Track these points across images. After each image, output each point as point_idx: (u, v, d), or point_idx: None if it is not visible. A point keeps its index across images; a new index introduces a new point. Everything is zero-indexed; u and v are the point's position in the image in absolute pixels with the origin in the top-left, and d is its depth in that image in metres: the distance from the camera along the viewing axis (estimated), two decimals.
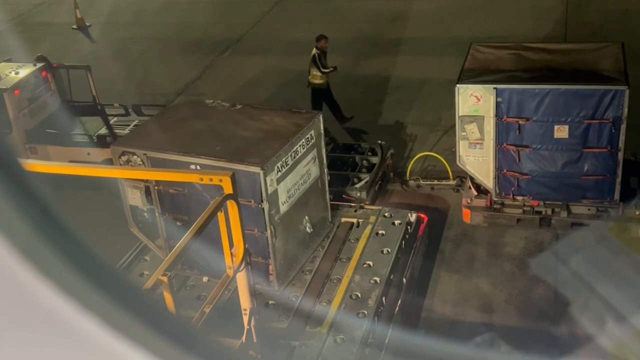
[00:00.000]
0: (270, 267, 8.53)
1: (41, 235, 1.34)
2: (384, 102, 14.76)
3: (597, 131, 9.56)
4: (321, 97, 13.64)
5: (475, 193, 10.61)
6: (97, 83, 12.64)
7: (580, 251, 9.80)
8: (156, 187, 8.72)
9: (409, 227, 9.78)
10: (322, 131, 9.26)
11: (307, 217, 9.09)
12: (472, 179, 10.65)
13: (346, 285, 8.65)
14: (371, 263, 9.02)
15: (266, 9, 21.25)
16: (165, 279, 5.26)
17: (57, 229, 1.41)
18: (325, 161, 9.43)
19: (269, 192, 8.16)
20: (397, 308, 8.68)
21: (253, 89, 16.22)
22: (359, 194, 10.77)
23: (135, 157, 8.58)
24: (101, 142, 12.16)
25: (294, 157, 8.64)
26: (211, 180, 5.93)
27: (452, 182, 11.38)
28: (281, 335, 7.92)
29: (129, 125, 12.56)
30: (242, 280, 6.56)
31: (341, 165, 11.78)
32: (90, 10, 21.87)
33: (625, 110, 9.35)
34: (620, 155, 9.66)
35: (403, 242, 9.46)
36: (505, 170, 10.19)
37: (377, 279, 8.69)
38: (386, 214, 9.96)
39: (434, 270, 10.01)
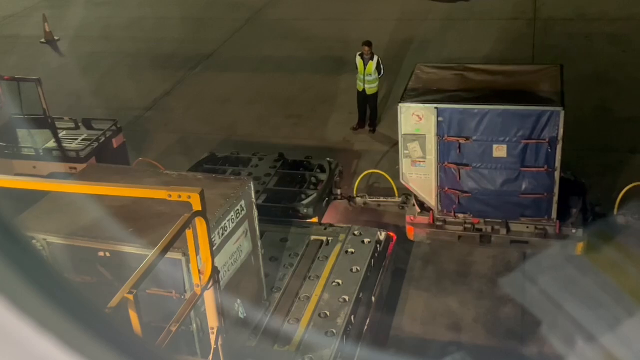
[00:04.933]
0: None
1: None
2: (344, 119, 14.77)
3: (535, 151, 9.76)
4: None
5: (419, 210, 10.74)
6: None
7: (547, 270, 9.91)
8: None
9: (378, 246, 9.78)
10: (254, 199, 8.15)
11: (238, 301, 7.85)
12: (416, 196, 10.77)
13: (315, 303, 8.59)
14: (340, 281, 8.97)
15: (237, 26, 21.27)
16: (131, 297, 5.15)
17: (13, 244, 1.35)
18: (258, 232, 8.31)
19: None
20: (366, 327, 8.64)
21: (223, 105, 16.17)
22: (305, 211, 10.80)
23: (34, 241, 7.25)
24: (47, 155, 12.02)
25: (222, 235, 7.42)
26: (180, 197, 5.84)
27: (398, 200, 11.45)
28: (249, 355, 7.82)
29: (76, 140, 12.40)
30: (209, 299, 6.47)
31: (290, 181, 11.78)
32: (60, 24, 21.66)
33: (561, 130, 9.55)
34: (557, 174, 9.86)
35: (372, 260, 9.45)
36: (447, 188, 10.34)
37: (346, 298, 8.65)
38: (356, 232, 9.95)
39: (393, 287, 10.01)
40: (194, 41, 20.28)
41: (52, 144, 12.41)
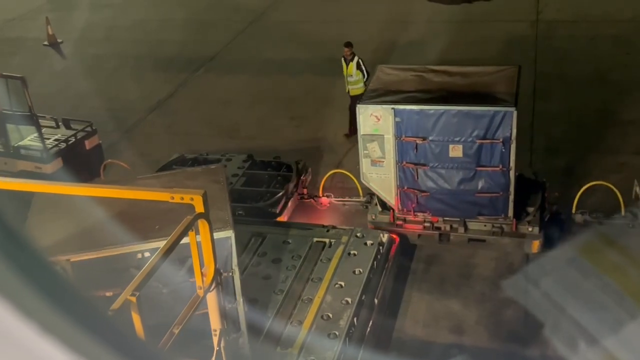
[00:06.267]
0: (241, 341, 7.72)
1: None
2: (347, 121, 14.74)
3: (489, 150, 9.89)
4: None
5: (380, 209, 10.88)
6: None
7: (550, 273, 9.89)
8: None
9: (380, 248, 9.78)
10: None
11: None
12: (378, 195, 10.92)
13: (317, 305, 8.59)
14: (343, 283, 8.98)
15: (240, 28, 21.28)
16: (133, 299, 5.15)
17: (13, 245, 1.35)
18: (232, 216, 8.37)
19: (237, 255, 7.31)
20: (368, 329, 8.63)
21: (225, 107, 16.18)
22: (270, 210, 10.88)
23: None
24: (17, 153, 12.10)
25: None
26: (182, 199, 5.85)
27: (362, 199, 11.54)
28: (252, 357, 7.82)
29: (49, 139, 12.45)
30: (212, 301, 6.47)
31: (257, 182, 11.82)
32: (63, 27, 21.69)
33: (514, 130, 9.68)
34: (512, 173, 9.99)
35: (375, 262, 9.45)
36: (405, 188, 10.48)
37: (349, 300, 8.65)
38: (358, 234, 9.96)
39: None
40: (197, 43, 20.30)
41: (26, 141, 12.47)
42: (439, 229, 10.63)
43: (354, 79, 13.77)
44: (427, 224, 10.64)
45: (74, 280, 6.72)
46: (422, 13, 20.98)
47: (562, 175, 11.97)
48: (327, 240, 9.93)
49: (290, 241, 9.91)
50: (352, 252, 9.61)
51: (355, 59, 13.68)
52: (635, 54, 16.99)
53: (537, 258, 10.32)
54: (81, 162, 11.99)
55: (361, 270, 9.20)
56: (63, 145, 12.19)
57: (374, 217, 10.90)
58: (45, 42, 20.99)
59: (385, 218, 10.82)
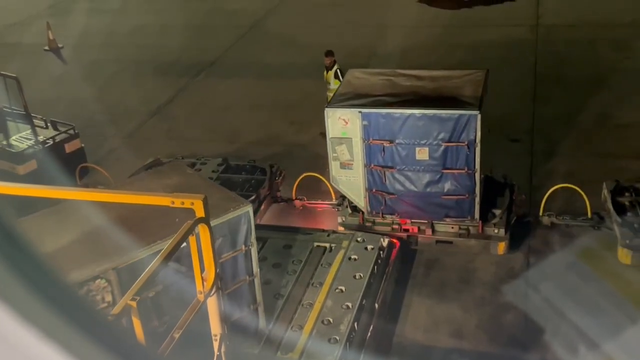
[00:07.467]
0: (259, 310, 8.11)
1: None
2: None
3: (455, 153, 9.99)
4: None
5: (350, 211, 11.01)
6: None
7: (550, 277, 9.89)
8: None
9: (381, 252, 9.79)
10: None
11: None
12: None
13: (318, 310, 8.59)
14: (343, 288, 8.98)
15: (240, 33, 21.32)
16: (134, 304, 5.14)
17: (13, 248, 1.35)
18: None
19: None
20: (369, 334, 8.63)
21: (225, 112, 16.20)
22: None
23: (99, 280, 6.50)
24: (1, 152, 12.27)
25: None
26: (182, 203, 5.85)
27: (334, 202, 11.60)
28: None
29: (30, 140, 12.51)
30: (212, 305, 6.47)
31: (231, 185, 11.80)
32: (63, 32, 21.74)
33: (479, 133, 9.78)
34: (477, 176, 10.11)
35: (375, 267, 9.45)
36: (374, 190, 10.58)
37: (350, 304, 8.65)
38: (358, 239, 9.97)
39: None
40: (197, 48, 20.33)
41: (11, 140, 12.57)
42: (407, 231, 10.76)
43: (331, 87, 13.88)
44: (395, 226, 10.77)
45: (121, 289, 6.47)
46: (422, 18, 21.02)
47: (561, 178, 11.96)
48: (327, 245, 9.94)
49: (291, 245, 9.92)
50: (352, 256, 9.62)
51: (335, 67, 13.79)
52: (635, 58, 17.02)
53: (537, 262, 10.32)
54: (59, 165, 11.89)
55: (362, 275, 9.21)
56: (39, 147, 12.20)
57: (343, 219, 11.02)
58: (46, 47, 21.04)
59: (355, 220, 10.93)
